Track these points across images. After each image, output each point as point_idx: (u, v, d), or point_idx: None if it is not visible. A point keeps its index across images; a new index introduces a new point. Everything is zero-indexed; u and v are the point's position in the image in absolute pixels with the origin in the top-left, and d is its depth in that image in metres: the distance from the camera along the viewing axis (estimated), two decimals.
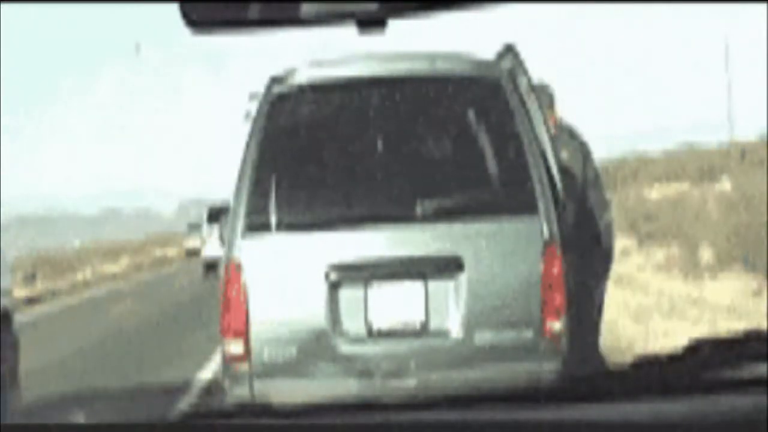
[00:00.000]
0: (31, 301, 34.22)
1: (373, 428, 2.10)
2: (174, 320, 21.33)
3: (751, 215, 18.24)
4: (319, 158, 7.16)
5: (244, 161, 7.04)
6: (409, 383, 6.76)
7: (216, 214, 28.87)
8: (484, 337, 6.93)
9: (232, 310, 6.86)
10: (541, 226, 7.00)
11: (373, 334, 6.94)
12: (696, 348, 2.20)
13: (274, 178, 6.99)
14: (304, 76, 7.19)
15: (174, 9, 2.12)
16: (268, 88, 7.19)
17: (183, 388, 12.36)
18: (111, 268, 55.18)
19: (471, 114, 7.29)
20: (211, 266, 33.40)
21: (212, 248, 31.63)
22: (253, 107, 7.48)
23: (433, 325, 6.95)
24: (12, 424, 2.21)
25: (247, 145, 7.08)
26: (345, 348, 6.89)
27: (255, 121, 7.13)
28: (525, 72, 7.46)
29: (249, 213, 6.95)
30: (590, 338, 8.28)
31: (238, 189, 7.00)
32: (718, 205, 21.98)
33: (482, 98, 7.26)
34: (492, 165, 7.14)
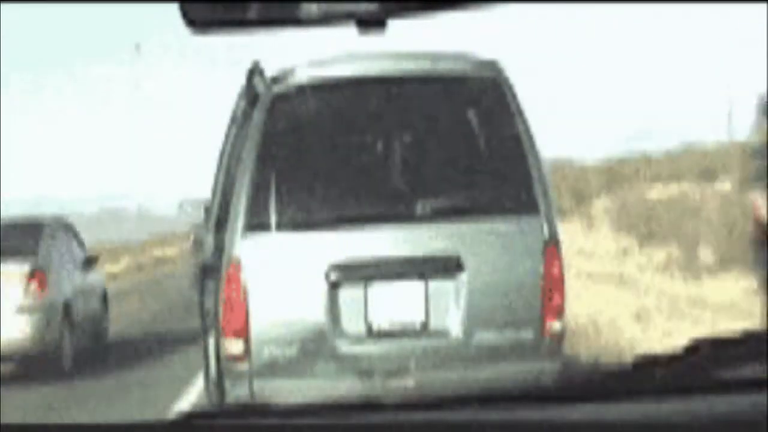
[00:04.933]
0: None
1: (373, 428, 2.10)
2: (176, 320, 21.33)
3: (751, 215, 18.23)
4: (319, 158, 7.15)
5: (243, 161, 7.04)
6: (409, 383, 6.76)
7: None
8: (484, 337, 6.93)
9: (232, 309, 6.86)
10: (542, 226, 7.00)
11: (373, 334, 6.94)
12: (696, 348, 2.20)
13: (274, 177, 6.98)
14: (303, 75, 7.18)
15: (174, 9, 2.12)
16: (268, 87, 7.19)
17: (184, 387, 12.36)
18: (111, 268, 55.10)
19: (471, 114, 7.28)
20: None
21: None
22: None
23: (433, 324, 6.95)
24: (12, 424, 2.20)
25: (247, 145, 7.07)
26: (345, 348, 6.89)
27: (255, 120, 7.12)
28: None
29: (249, 212, 6.94)
30: None
31: (238, 188, 6.99)
32: (718, 205, 21.97)
33: (482, 98, 7.26)
34: (492, 165, 7.14)
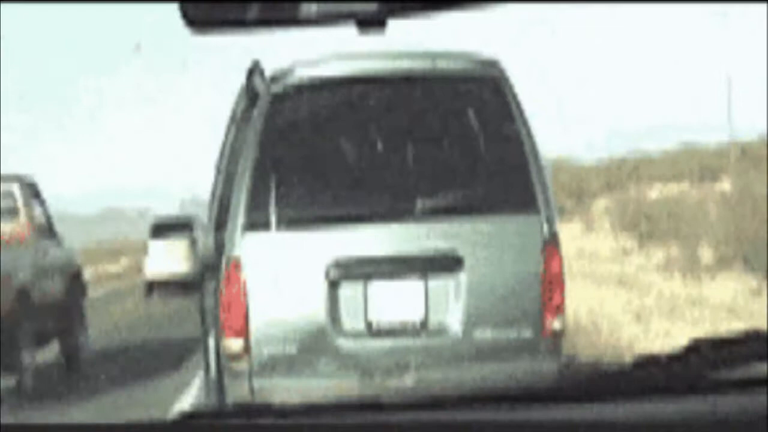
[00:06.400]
0: None
1: (373, 428, 2.10)
2: (175, 320, 21.36)
3: (751, 215, 18.25)
4: (319, 156, 7.15)
5: (243, 160, 7.04)
6: (409, 381, 6.77)
7: (162, 228, 31.88)
8: (483, 336, 6.93)
9: (232, 308, 6.86)
10: (541, 224, 7.00)
11: (372, 332, 6.94)
12: (696, 348, 2.20)
13: (274, 176, 6.99)
14: (302, 74, 7.18)
15: (174, 9, 2.12)
16: (267, 87, 7.19)
17: (183, 387, 12.37)
18: (111, 268, 55.12)
19: (471, 113, 7.28)
20: (153, 286, 31.76)
21: (156, 265, 30.98)
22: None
23: (433, 322, 6.95)
24: (12, 424, 2.20)
25: (247, 144, 7.08)
26: (345, 345, 6.90)
27: (254, 119, 7.13)
28: None
29: (249, 211, 6.94)
30: None
31: (238, 187, 7.00)
32: (718, 205, 21.99)
33: (482, 97, 7.26)
34: (492, 163, 7.14)
